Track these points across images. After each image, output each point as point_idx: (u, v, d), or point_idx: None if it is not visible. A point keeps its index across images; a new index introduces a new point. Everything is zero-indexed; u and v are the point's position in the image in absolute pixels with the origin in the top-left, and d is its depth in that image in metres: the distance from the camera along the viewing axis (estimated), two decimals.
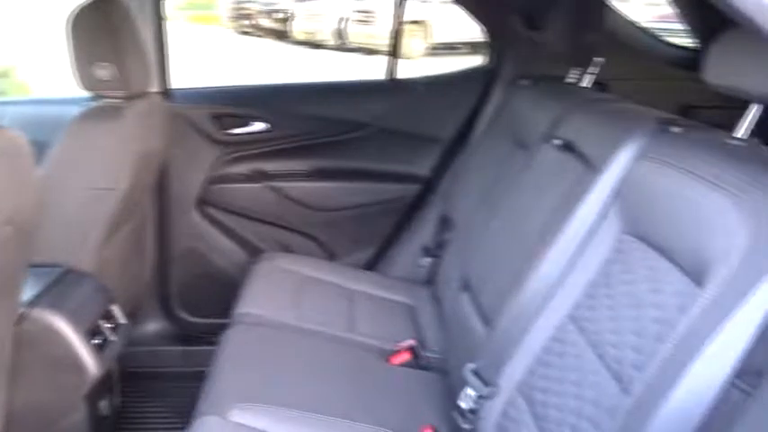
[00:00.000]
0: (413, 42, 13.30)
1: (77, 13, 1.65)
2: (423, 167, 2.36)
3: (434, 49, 13.45)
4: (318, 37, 13.00)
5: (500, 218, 1.68)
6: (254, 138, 2.32)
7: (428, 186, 2.36)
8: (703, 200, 1.03)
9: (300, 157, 2.35)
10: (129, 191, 1.76)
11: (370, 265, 2.42)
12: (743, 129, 1.14)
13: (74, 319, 1.49)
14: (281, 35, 13.26)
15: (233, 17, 13.96)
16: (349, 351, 1.77)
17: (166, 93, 2.23)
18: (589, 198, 1.33)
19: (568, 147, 1.52)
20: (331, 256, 2.42)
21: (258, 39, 13.28)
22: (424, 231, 2.34)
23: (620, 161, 1.29)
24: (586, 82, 1.87)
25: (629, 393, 1.04)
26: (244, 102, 2.33)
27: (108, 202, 1.70)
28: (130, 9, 1.83)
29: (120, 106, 1.74)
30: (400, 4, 2.28)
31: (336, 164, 2.36)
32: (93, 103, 1.75)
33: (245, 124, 2.31)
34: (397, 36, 2.33)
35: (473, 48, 13.46)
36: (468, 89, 2.33)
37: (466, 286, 1.72)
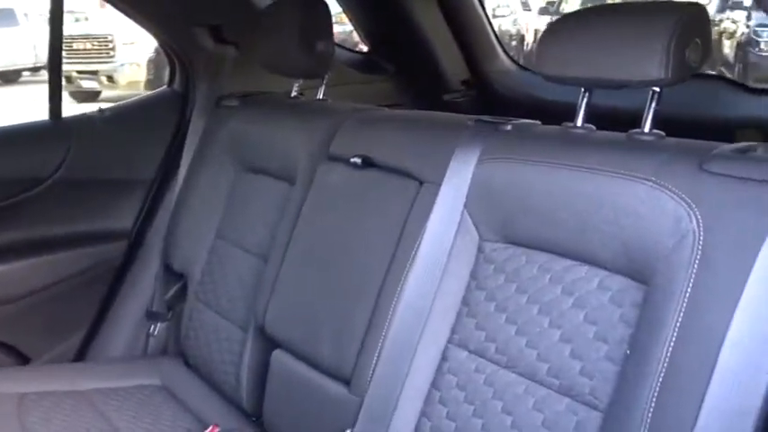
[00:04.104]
0: None
1: None
2: (125, 219, 1.94)
3: None
4: None
5: (297, 256, 1.46)
6: None
7: (136, 240, 1.96)
8: (606, 190, 1.03)
9: None
10: None
11: (82, 354, 1.92)
12: (580, 117, 1.18)
13: None
14: None
15: None
16: None
17: None
18: (433, 215, 1.23)
19: (369, 163, 1.39)
20: (24, 359, 1.84)
21: None
22: (143, 294, 1.95)
23: (459, 168, 1.22)
24: (321, 94, 1.75)
25: (594, 407, 0.99)
26: None
27: None
28: None
29: None
30: (55, 13, 1.80)
31: (7, 238, 1.78)
32: None
33: None
34: (57, 64, 1.85)
35: (4, 77, 11.98)
36: (159, 119, 1.98)
37: (276, 343, 1.46)
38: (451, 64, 2.33)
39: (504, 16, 11.11)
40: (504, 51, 2.41)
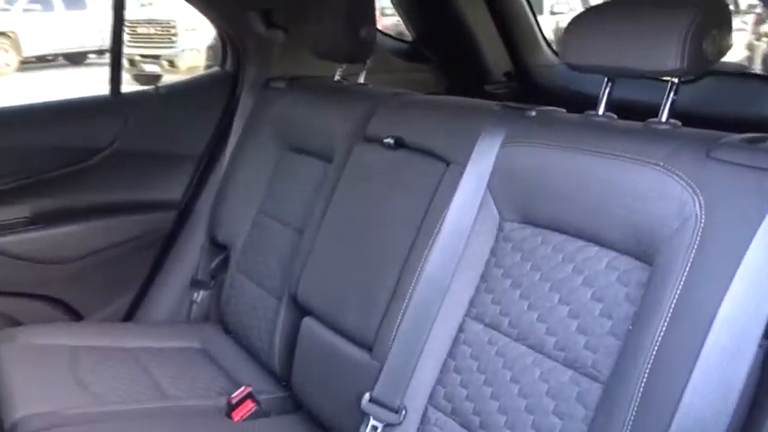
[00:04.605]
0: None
1: None
2: (175, 191, 2.07)
3: (25, 63, 12.06)
4: None
5: (330, 230, 1.55)
6: None
7: (185, 211, 2.08)
8: (619, 174, 1.07)
9: (16, 202, 1.86)
10: None
11: (130, 315, 2.05)
12: (602, 106, 1.23)
13: None
14: None
15: None
16: (183, 421, 1.48)
17: None
18: (457, 194, 1.29)
19: (400, 144, 1.47)
20: (77, 315, 1.98)
21: None
22: (189, 263, 2.06)
23: (484, 151, 1.28)
24: (362, 78, 1.83)
25: (595, 378, 1.04)
26: None
27: None
28: None
29: None
30: (118, 5, 1.93)
31: (67, 203, 1.92)
32: None
33: None
34: (118, 44, 1.98)
35: (71, 59, 12.40)
36: (210, 98, 2.10)
37: (307, 311, 1.55)
38: (495, 56, 2.38)
39: (562, 13, 10.97)
40: (548, 45, 2.44)
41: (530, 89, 2.41)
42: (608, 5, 1.20)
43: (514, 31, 2.38)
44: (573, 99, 2.29)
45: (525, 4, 2.37)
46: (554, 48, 2.49)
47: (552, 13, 11.32)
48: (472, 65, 2.38)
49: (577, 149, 1.15)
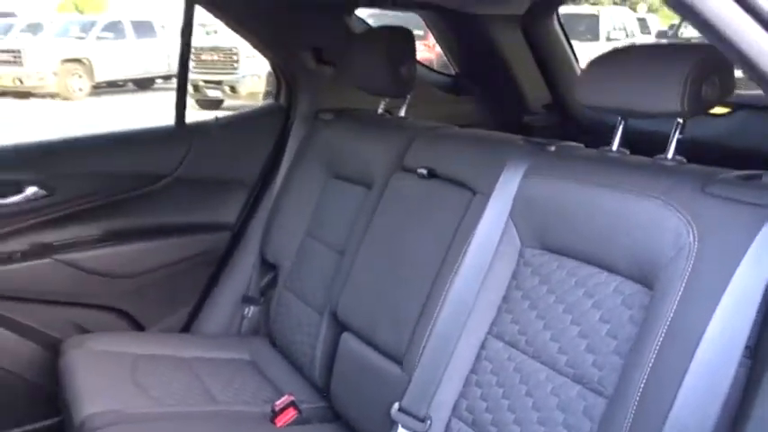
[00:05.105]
0: (73, 82, 12.36)
1: None
2: (229, 214, 2.24)
3: (97, 88, 12.68)
4: None
5: (367, 252, 1.68)
6: (29, 207, 1.96)
7: (238, 233, 2.24)
8: (625, 206, 1.17)
9: (90, 222, 2.05)
10: None
11: (186, 327, 2.21)
12: (616, 142, 1.33)
13: None
14: None
15: None
16: (231, 425, 1.62)
17: None
18: (482, 221, 1.41)
19: (433, 174, 1.59)
20: (139, 326, 2.16)
21: None
22: (241, 280, 2.22)
23: (507, 182, 1.40)
24: (402, 111, 1.96)
25: (600, 393, 1.13)
26: (8, 165, 1.95)
27: None
28: None
29: None
30: (185, 34, 2.11)
31: (133, 223, 2.11)
32: None
33: (15, 192, 1.95)
34: (183, 77, 2.17)
35: (139, 84, 12.88)
36: (264, 128, 2.27)
37: (345, 327, 1.68)
38: (533, 88, 2.48)
39: (617, 40, 10.94)
40: None
41: (567, 122, 2.50)
42: (619, 51, 1.30)
43: (552, 64, 2.48)
44: (608, 132, 2.39)
45: (563, 37, 2.48)
46: None
47: (608, 39, 11.31)
48: (511, 97, 2.49)
49: (590, 182, 1.26)
